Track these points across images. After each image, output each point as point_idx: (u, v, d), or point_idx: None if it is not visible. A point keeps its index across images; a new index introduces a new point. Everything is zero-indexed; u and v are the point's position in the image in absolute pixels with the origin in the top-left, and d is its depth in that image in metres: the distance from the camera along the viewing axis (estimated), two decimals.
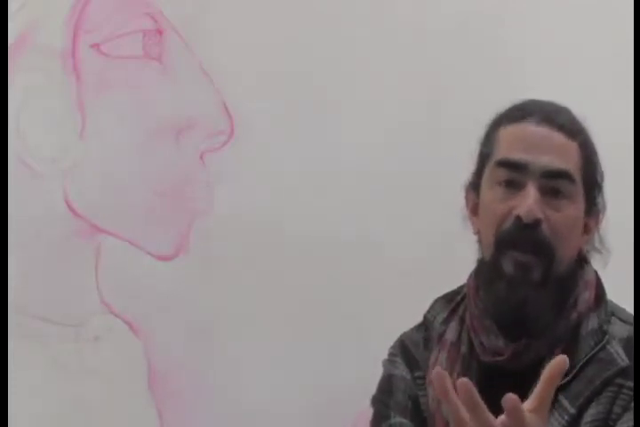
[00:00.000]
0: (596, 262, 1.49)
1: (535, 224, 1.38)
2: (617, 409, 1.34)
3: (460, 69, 2.13)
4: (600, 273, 1.50)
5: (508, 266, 1.40)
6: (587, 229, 1.45)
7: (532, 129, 1.42)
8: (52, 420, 2.05)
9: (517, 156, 1.41)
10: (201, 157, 2.09)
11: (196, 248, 2.08)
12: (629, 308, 1.50)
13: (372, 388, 1.57)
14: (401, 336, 1.57)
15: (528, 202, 1.38)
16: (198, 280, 2.08)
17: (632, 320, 1.43)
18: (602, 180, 1.46)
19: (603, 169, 1.47)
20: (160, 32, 2.09)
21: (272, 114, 2.10)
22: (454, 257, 1.57)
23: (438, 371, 1.14)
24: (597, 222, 1.46)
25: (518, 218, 1.38)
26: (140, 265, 2.07)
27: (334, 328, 2.08)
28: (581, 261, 1.46)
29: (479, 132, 1.53)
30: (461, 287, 1.53)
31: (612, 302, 1.46)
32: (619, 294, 1.50)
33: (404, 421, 1.47)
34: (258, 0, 2.13)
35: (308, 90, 2.12)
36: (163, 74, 2.10)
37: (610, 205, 1.50)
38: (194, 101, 2.10)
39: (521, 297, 1.38)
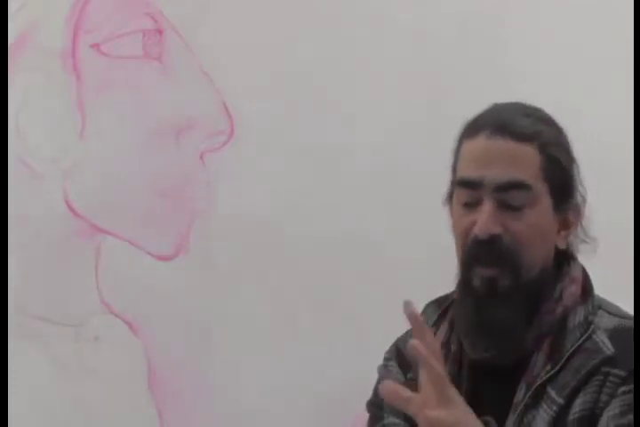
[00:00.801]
0: (584, 251, 1.48)
1: (492, 240, 1.39)
2: (604, 397, 1.35)
3: (460, 69, 2.13)
4: (600, 271, 1.50)
5: (476, 280, 1.41)
6: (565, 225, 1.45)
7: (482, 143, 1.42)
8: (52, 420, 2.05)
9: (471, 173, 1.42)
10: (201, 157, 2.10)
11: (196, 248, 2.08)
12: (630, 307, 1.50)
13: (371, 388, 1.57)
14: (396, 341, 1.58)
15: (482, 219, 1.39)
16: (198, 280, 2.08)
17: (621, 313, 1.44)
18: (576, 173, 1.46)
19: (576, 162, 1.47)
20: (160, 32, 2.09)
21: (272, 114, 2.10)
22: (454, 257, 1.57)
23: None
24: (579, 215, 1.46)
25: (475, 236, 1.39)
26: (140, 265, 2.07)
27: (334, 328, 2.08)
28: (567, 257, 1.46)
29: None
30: (452, 293, 1.55)
31: (599, 296, 1.47)
32: (618, 292, 1.50)
33: (397, 421, 1.47)
34: (258, 0, 2.13)
35: (308, 90, 2.12)
36: (163, 74, 2.10)
37: (610, 205, 1.50)
38: (194, 101, 2.10)
39: (489, 310, 1.40)
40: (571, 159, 1.46)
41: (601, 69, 2.14)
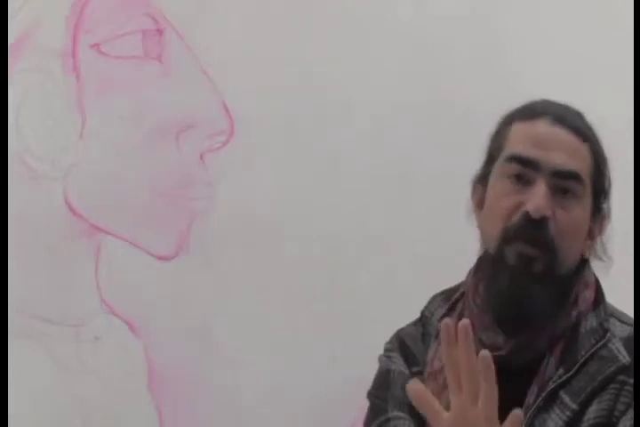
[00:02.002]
0: (597, 270, 1.49)
1: (543, 221, 1.38)
2: (620, 406, 1.35)
3: (460, 70, 2.13)
4: (601, 278, 1.51)
5: (511, 257, 1.40)
6: (591, 235, 1.46)
7: (545, 128, 1.43)
8: (52, 420, 2.05)
9: (529, 152, 1.41)
10: (201, 157, 2.10)
11: (196, 248, 2.08)
12: (629, 311, 1.50)
13: None
14: (398, 332, 1.57)
15: (537, 198, 1.38)
16: (198, 280, 2.08)
17: (631, 322, 1.44)
18: (609, 187, 1.47)
19: (611, 177, 1.48)
20: (160, 32, 2.09)
21: (272, 114, 2.10)
22: (455, 255, 1.57)
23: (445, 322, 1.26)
24: (601, 229, 1.47)
25: (526, 213, 1.39)
26: (140, 265, 2.07)
27: (334, 327, 2.08)
28: (584, 263, 1.46)
29: (479, 131, 1.53)
30: (459, 285, 1.53)
31: (611, 304, 1.47)
32: (618, 297, 1.50)
33: (401, 415, 1.47)
34: (258, 0, 2.13)
35: (308, 90, 2.12)
36: (163, 74, 2.10)
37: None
38: (194, 101, 2.10)
39: (523, 289, 1.39)
40: (609, 172, 1.47)
41: (601, 69, 2.14)
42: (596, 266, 1.48)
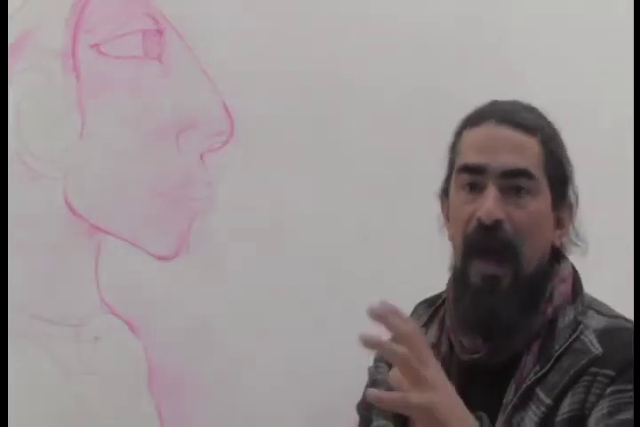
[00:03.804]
0: (575, 254, 1.49)
1: (496, 225, 1.39)
2: (592, 398, 1.34)
3: (461, 70, 2.13)
4: (601, 281, 1.51)
5: (475, 278, 1.41)
6: (560, 224, 1.46)
7: (488, 130, 1.43)
8: (52, 420, 2.05)
9: (476, 159, 1.42)
10: (201, 157, 2.10)
11: (196, 248, 2.08)
12: (629, 308, 1.50)
13: None
14: None
15: (487, 203, 1.39)
16: (198, 280, 2.08)
17: (610, 313, 1.44)
18: (571, 173, 1.47)
19: (571, 163, 1.47)
20: (160, 32, 2.09)
21: (272, 114, 2.10)
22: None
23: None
24: (571, 216, 1.47)
25: (479, 220, 1.39)
26: (140, 265, 2.07)
27: (334, 328, 2.08)
28: (557, 256, 1.46)
29: None
30: (443, 292, 1.54)
31: (591, 296, 1.47)
32: (618, 294, 1.50)
33: (384, 422, 1.47)
34: (258, 0, 2.13)
35: (308, 90, 2.12)
36: (163, 74, 2.10)
37: (609, 207, 1.51)
38: (194, 101, 2.10)
39: (489, 306, 1.40)
40: (567, 159, 1.47)
41: (601, 70, 2.14)
42: (572, 251, 1.48)
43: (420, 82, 2.12)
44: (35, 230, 2.05)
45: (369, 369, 1.56)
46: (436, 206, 1.52)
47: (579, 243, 1.47)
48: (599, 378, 1.35)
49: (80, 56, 2.07)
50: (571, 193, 1.47)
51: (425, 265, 2.07)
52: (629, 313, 1.49)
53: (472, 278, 1.41)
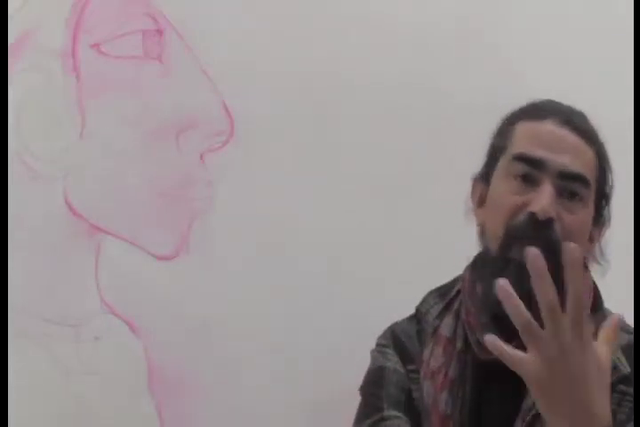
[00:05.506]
0: (595, 273, 1.48)
1: (548, 222, 1.37)
2: (621, 416, 1.33)
3: (461, 70, 2.13)
4: (600, 282, 1.50)
5: (516, 254, 1.37)
6: (590, 239, 1.45)
7: (552, 128, 1.41)
8: (51, 420, 2.05)
9: (536, 152, 1.40)
10: (201, 157, 2.09)
11: (196, 248, 2.08)
12: (630, 312, 1.50)
13: None
14: (392, 327, 1.55)
15: (543, 199, 1.37)
16: (198, 280, 2.08)
17: (630, 330, 1.42)
18: (611, 192, 1.46)
19: (613, 183, 1.47)
20: (160, 32, 2.09)
21: (272, 114, 2.10)
22: (453, 257, 1.57)
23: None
24: (600, 234, 1.46)
25: (532, 214, 1.37)
26: (140, 265, 2.07)
27: (334, 328, 2.08)
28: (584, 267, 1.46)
29: (479, 131, 1.53)
30: (454, 281, 1.52)
31: (609, 310, 1.46)
32: (618, 301, 1.49)
33: (397, 414, 1.46)
34: (258, 0, 2.13)
35: (308, 90, 2.12)
36: (163, 74, 2.10)
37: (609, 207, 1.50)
38: (194, 101, 2.09)
39: (527, 287, 1.38)
40: (612, 178, 1.46)
41: (601, 70, 2.14)
42: (593, 270, 1.48)
43: (420, 82, 2.12)
44: (35, 230, 2.04)
45: (372, 353, 1.55)
46: (436, 206, 1.52)
47: (602, 262, 1.46)
48: (628, 397, 1.34)
49: (80, 56, 2.07)
50: (606, 212, 1.46)
51: (425, 265, 2.07)
52: (629, 316, 1.49)
53: (514, 255, 1.36)
